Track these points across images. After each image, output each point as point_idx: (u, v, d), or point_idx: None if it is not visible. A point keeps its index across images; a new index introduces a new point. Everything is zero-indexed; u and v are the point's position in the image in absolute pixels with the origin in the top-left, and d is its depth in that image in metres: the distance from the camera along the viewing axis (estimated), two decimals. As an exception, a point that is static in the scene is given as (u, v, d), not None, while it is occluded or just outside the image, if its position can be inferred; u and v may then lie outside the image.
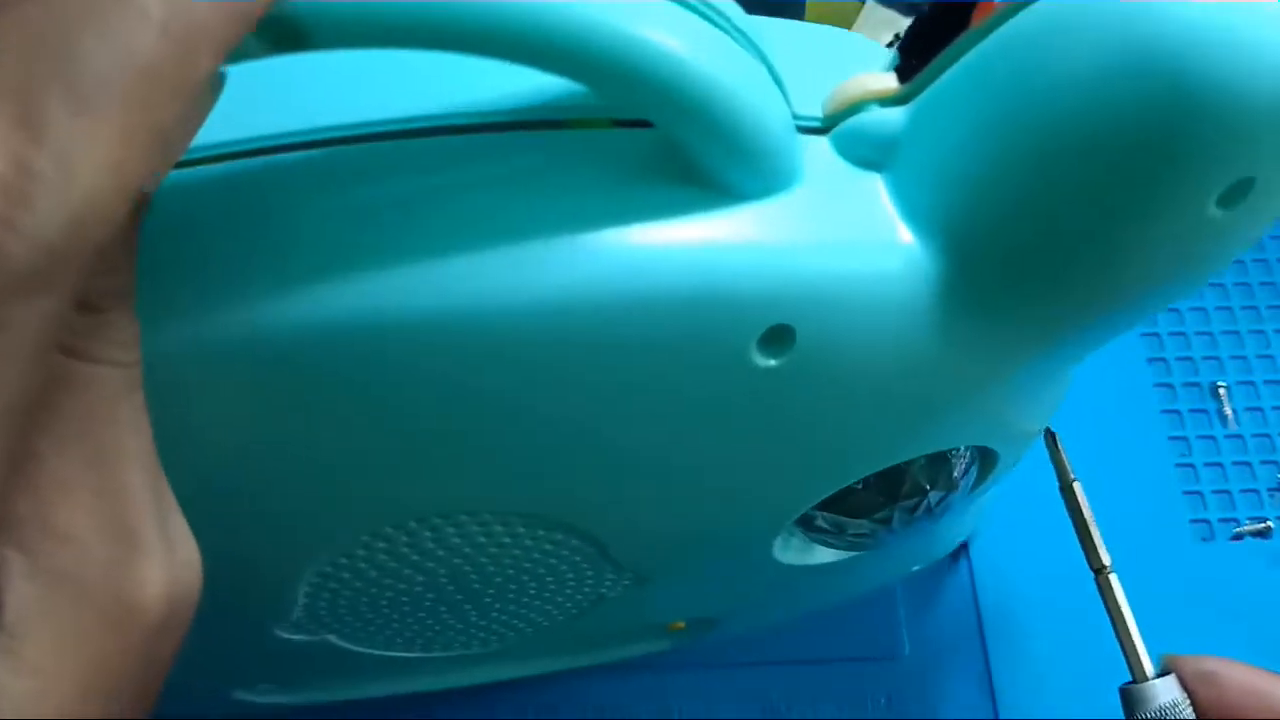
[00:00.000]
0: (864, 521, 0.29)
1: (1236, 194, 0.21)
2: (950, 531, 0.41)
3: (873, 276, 0.23)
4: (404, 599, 0.30)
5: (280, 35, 0.18)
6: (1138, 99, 0.20)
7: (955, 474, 0.29)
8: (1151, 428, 0.51)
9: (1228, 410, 0.51)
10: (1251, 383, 0.52)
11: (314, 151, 0.23)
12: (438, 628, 0.33)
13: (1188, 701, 0.28)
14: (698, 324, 0.23)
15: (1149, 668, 0.29)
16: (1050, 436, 0.33)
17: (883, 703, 0.46)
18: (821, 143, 0.24)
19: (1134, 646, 0.29)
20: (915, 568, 0.43)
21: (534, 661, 0.40)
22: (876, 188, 0.24)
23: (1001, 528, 0.47)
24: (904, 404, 0.26)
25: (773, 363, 0.24)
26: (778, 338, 0.23)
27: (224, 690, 0.37)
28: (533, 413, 0.23)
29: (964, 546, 0.48)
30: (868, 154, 0.24)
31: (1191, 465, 0.50)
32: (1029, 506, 0.42)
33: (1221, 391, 0.51)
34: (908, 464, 0.28)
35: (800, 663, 0.46)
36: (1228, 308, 0.53)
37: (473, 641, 0.34)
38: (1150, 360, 0.52)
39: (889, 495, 0.29)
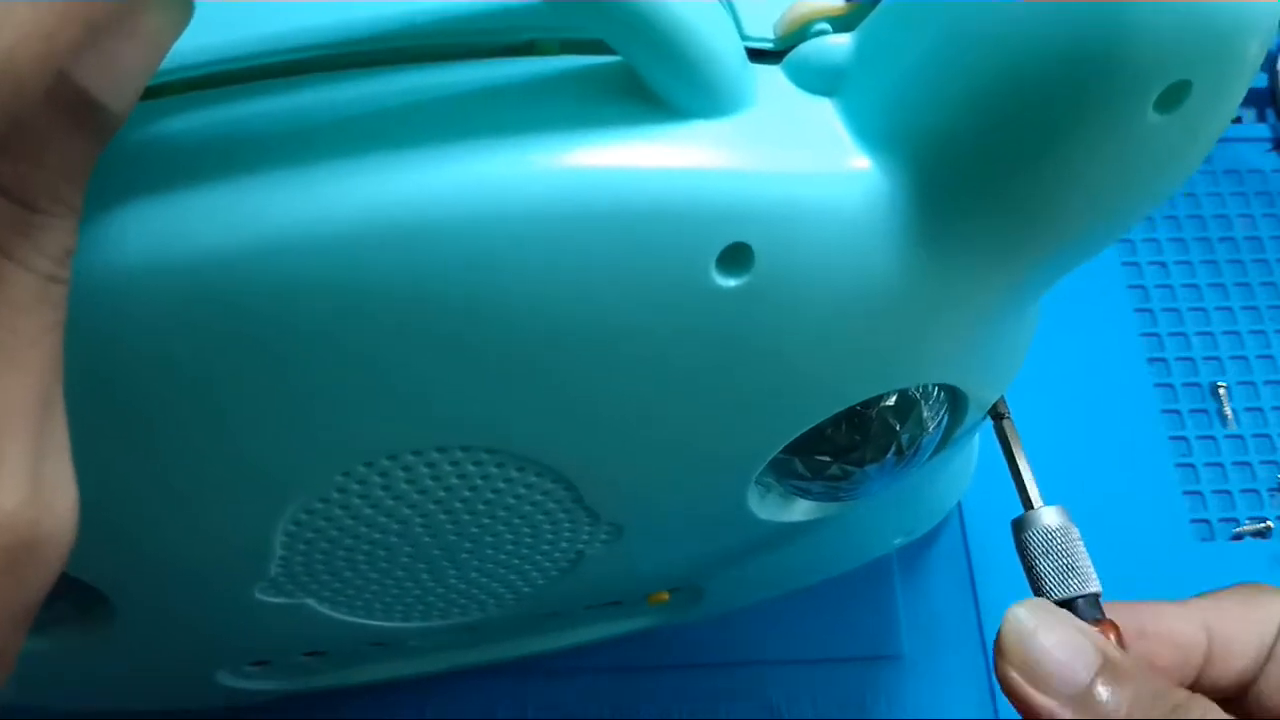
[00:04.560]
0: (835, 467, 0.29)
1: (1173, 98, 0.22)
2: (931, 496, 0.41)
3: (827, 193, 0.24)
4: (381, 553, 0.30)
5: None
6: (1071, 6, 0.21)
7: (924, 414, 0.29)
8: (1151, 428, 0.51)
9: (1228, 410, 0.51)
10: (1251, 383, 0.52)
11: (278, 80, 0.23)
12: (417, 591, 0.33)
13: (1076, 531, 0.29)
14: (653, 240, 0.23)
15: (1039, 500, 0.31)
16: None
17: (883, 703, 0.46)
18: (774, 71, 0.25)
19: (1024, 481, 0.31)
20: (900, 540, 0.42)
21: (520, 642, 0.40)
22: (829, 111, 0.24)
23: (1002, 528, 0.47)
24: (869, 331, 0.26)
25: (733, 283, 0.24)
26: (736, 256, 0.24)
27: (211, 672, 0.38)
28: (489, 334, 0.24)
29: (964, 546, 0.48)
30: (819, 82, 0.25)
31: (1191, 465, 0.50)
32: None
33: (1221, 391, 0.51)
34: (876, 406, 0.29)
35: (800, 663, 0.46)
36: (1228, 308, 0.53)
37: (453, 609, 0.34)
38: (1150, 360, 0.52)
39: (859, 436, 0.29)
